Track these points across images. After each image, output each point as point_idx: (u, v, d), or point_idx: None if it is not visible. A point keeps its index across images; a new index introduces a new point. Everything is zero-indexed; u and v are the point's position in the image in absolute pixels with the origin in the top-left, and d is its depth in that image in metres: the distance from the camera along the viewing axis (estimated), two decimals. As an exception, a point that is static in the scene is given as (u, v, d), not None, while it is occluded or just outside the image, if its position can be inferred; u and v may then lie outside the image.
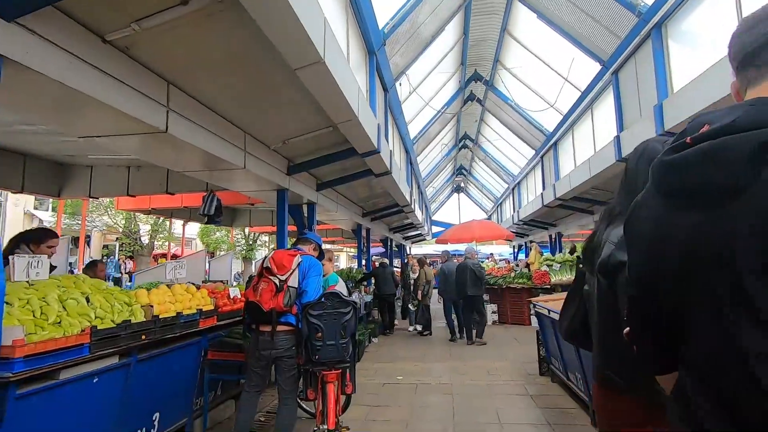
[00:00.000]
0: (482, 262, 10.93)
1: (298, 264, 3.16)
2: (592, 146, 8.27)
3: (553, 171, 10.96)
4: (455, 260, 9.74)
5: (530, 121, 11.22)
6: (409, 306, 10.85)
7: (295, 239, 3.58)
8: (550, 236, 17.07)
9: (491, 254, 22.82)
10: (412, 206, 11.80)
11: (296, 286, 3.09)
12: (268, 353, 3.05)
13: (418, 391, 5.17)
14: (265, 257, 3.23)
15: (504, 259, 20.81)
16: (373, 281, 10.01)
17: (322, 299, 2.97)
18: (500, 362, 6.47)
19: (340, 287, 3.89)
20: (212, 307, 3.94)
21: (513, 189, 17.35)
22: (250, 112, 4.45)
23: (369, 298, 9.50)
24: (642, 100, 6.04)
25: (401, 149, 10.12)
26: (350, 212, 9.90)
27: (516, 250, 25.73)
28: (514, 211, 17.33)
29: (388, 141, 7.31)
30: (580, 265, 1.75)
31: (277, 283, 3.04)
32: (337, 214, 8.95)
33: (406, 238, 20.98)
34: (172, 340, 3.38)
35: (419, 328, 9.56)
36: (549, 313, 4.77)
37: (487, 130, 15.90)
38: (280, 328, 3.06)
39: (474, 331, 8.07)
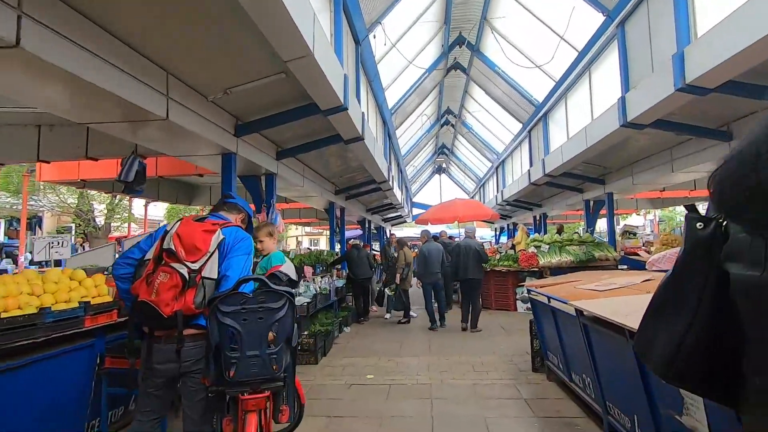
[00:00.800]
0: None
1: (220, 242, 2.16)
2: (588, 114, 7.42)
3: (542, 145, 10.14)
4: (436, 242, 8.89)
5: (519, 91, 10.32)
6: (386, 291, 10.00)
7: (214, 205, 2.55)
8: (535, 217, 16.45)
9: (473, 236, 22.13)
10: (390, 183, 10.86)
11: (215, 277, 2.11)
12: (172, 368, 2.09)
13: (391, 395, 4.31)
14: (166, 232, 2.21)
15: (487, 241, 20.22)
16: (346, 264, 9.11)
17: (241, 289, 2.00)
18: (487, 356, 5.68)
19: (288, 269, 2.94)
20: (110, 299, 2.93)
21: (497, 168, 16.55)
22: (168, 41, 3.38)
23: (341, 282, 8.58)
24: (655, 51, 5.18)
25: (377, 118, 9.10)
26: (320, 188, 8.89)
27: (498, 232, 25.22)
28: (497, 191, 16.57)
29: (360, 102, 6.29)
30: (700, 226, 0.81)
31: (186, 275, 2.04)
32: (304, 189, 7.94)
33: (386, 220, 20.12)
34: (33, 347, 2.37)
35: (395, 314, 8.76)
36: (549, 302, 3.93)
37: (471, 104, 14.95)
38: (188, 331, 2.09)
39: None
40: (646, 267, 5.38)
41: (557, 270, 8.79)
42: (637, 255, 9.55)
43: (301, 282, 6.90)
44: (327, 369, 5.32)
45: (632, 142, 7.28)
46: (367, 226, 15.56)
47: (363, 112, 6.21)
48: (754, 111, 5.49)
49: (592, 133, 6.94)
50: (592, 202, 11.02)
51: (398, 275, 8.50)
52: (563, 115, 8.86)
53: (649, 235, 18.85)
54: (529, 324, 4.97)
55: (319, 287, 7.15)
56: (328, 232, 11.05)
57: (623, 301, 2.99)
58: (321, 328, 6.48)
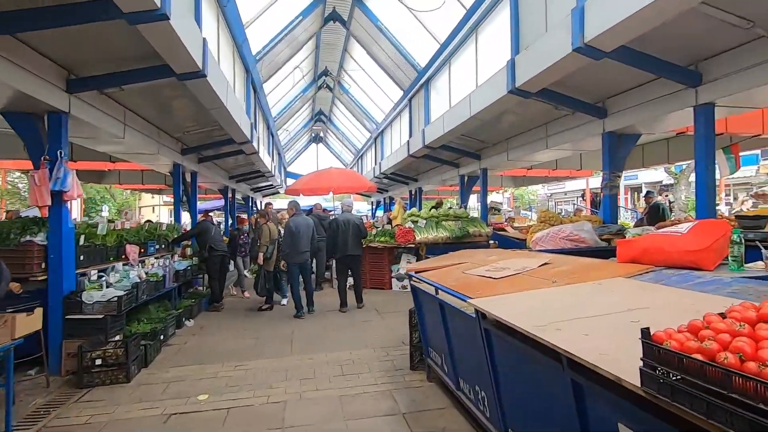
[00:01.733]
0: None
1: None
2: (473, 80, 6.91)
3: (423, 115, 9.57)
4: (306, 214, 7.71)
5: (402, 53, 9.49)
6: (245, 273, 8.53)
7: None
8: (411, 192, 16.32)
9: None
10: (256, 146, 9.19)
11: None
12: None
13: (228, 428, 3.10)
14: None
15: (363, 215, 19.72)
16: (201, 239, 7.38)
17: None
18: (359, 350, 4.80)
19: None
20: None
21: (376, 138, 15.87)
22: None
23: (184, 264, 6.85)
24: (551, 8, 4.67)
25: (235, 59, 7.35)
26: (157, 144, 6.87)
27: (374, 206, 25.01)
28: (375, 164, 15.95)
29: (200, 24, 4.64)
30: None
31: None
32: (127, 143, 5.94)
33: (256, 190, 18.05)
34: None
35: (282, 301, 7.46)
36: (437, 293, 3.11)
37: (350, 64, 13.77)
38: None
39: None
40: (530, 246, 5.05)
41: (433, 246, 8.43)
42: (504, 231, 9.81)
43: (118, 268, 5.11)
44: (142, 389, 3.83)
45: (510, 116, 7.05)
46: (230, 195, 13.49)
47: (205, 38, 4.58)
48: (626, 89, 5.46)
49: (477, 100, 6.42)
50: (466, 178, 10.99)
51: (261, 254, 7.13)
52: (446, 81, 8.31)
53: (510, 211, 20.49)
54: (408, 314, 4.20)
55: (146, 273, 5.42)
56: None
57: (537, 299, 2.25)
58: (146, 327, 4.87)
